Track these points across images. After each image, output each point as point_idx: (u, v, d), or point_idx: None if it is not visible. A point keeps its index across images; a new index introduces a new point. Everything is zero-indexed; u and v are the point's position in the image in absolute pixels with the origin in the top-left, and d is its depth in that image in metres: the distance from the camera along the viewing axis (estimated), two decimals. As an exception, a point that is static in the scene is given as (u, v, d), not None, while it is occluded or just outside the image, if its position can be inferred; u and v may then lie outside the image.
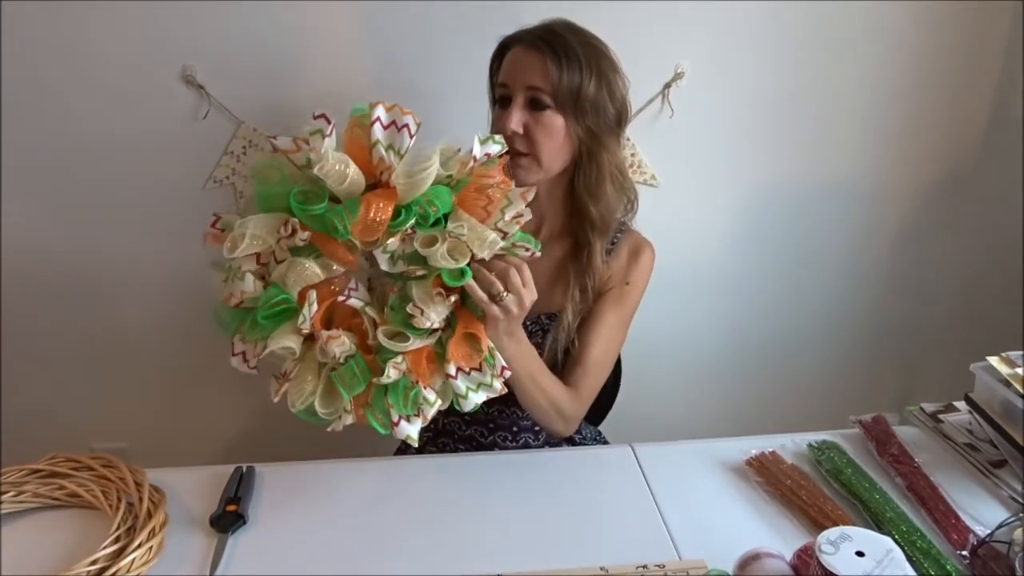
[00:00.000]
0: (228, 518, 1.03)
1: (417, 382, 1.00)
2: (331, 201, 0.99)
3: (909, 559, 0.91)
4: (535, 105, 1.20)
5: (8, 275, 1.73)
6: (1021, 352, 1.20)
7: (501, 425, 1.36)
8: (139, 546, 0.94)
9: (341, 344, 0.99)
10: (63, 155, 1.64)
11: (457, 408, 1.04)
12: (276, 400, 1.03)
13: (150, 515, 0.99)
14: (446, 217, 1.01)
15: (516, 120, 1.19)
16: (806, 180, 1.88)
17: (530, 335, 1.28)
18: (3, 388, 1.83)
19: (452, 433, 1.39)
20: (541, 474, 1.17)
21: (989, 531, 1.01)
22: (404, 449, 1.48)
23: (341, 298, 1.02)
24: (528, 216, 1.05)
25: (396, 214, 0.97)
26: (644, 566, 0.96)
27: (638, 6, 1.63)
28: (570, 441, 1.39)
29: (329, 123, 0.96)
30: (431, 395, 1.01)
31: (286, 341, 0.99)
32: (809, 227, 1.92)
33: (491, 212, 1.02)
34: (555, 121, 1.20)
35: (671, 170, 1.79)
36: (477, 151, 1.01)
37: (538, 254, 1.08)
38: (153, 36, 1.56)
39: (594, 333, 1.29)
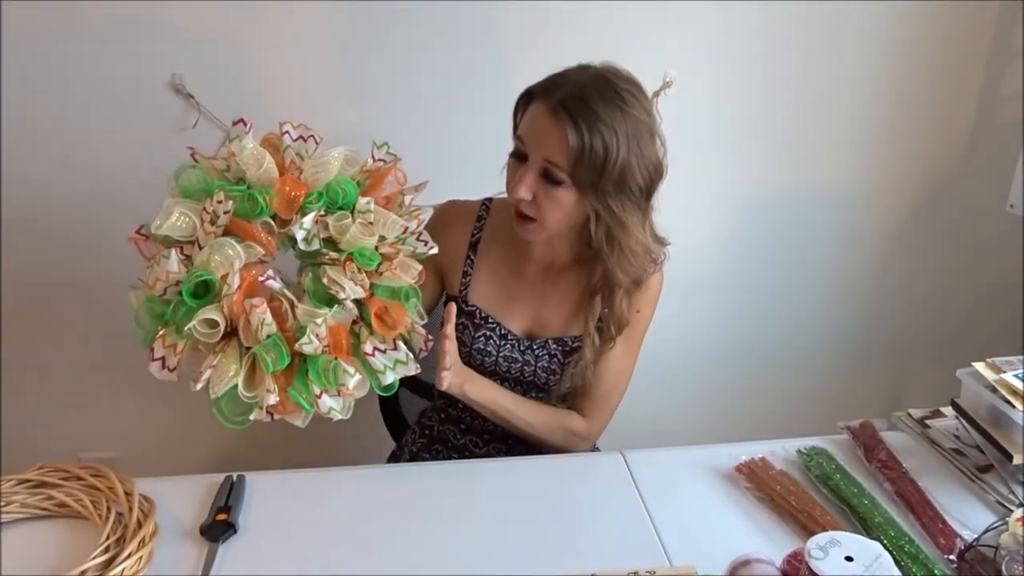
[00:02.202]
0: (218, 527, 1.03)
1: (336, 358, 1.05)
2: None
3: (897, 564, 0.92)
4: (548, 178, 1.11)
5: (-4, 285, 1.73)
6: (1007, 358, 1.21)
7: (496, 436, 1.35)
8: (129, 556, 0.94)
9: (264, 311, 1.02)
10: (54, 164, 1.63)
11: (376, 387, 1.08)
12: (198, 387, 1.02)
13: (140, 525, 0.99)
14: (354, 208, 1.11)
15: (525, 189, 1.12)
16: (794, 187, 1.89)
17: (538, 358, 1.29)
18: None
19: (447, 441, 1.38)
20: (532, 480, 1.17)
21: (976, 535, 1.02)
22: (397, 456, 1.47)
23: (261, 279, 1.05)
24: (424, 215, 1.15)
25: (309, 196, 1.08)
26: (635, 572, 0.96)
27: (626, 14, 1.64)
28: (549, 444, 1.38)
29: (247, 126, 1.08)
30: (351, 368, 1.05)
31: (211, 314, 1.01)
32: (797, 233, 1.93)
33: (390, 209, 1.13)
34: (567, 196, 1.12)
35: (660, 178, 1.79)
36: (374, 155, 1.14)
37: (435, 250, 1.15)
38: (142, 45, 1.56)
39: (603, 366, 1.28)
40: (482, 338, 1.28)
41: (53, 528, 1.04)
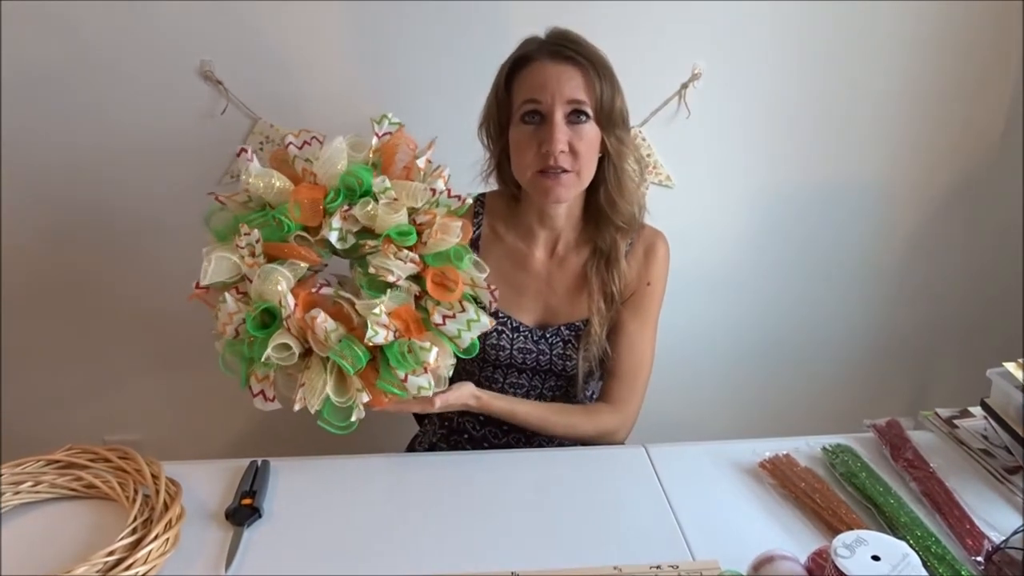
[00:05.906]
0: (243, 512, 1.04)
1: (408, 339, 1.06)
2: None
3: (924, 564, 0.91)
4: (575, 117, 1.18)
5: (22, 267, 1.75)
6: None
7: (515, 427, 1.35)
8: (156, 538, 0.94)
9: (324, 320, 1.03)
10: (80, 149, 1.65)
11: (456, 351, 1.10)
12: (298, 408, 1.05)
13: (166, 507, 1.00)
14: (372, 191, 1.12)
15: (563, 139, 1.17)
16: (821, 182, 1.87)
17: (552, 345, 1.30)
18: (15, 380, 1.84)
19: (465, 432, 1.39)
20: (555, 473, 1.17)
21: (1004, 537, 1.01)
22: (417, 442, 1.48)
23: (314, 290, 1.08)
24: (447, 170, 1.16)
25: (328, 196, 1.09)
26: (658, 566, 0.96)
27: (655, 6, 1.63)
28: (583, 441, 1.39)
29: (249, 154, 1.12)
30: (425, 343, 1.06)
31: (281, 339, 1.04)
32: (824, 229, 1.91)
33: (412, 178, 1.15)
34: (593, 133, 1.19)
35: (686, 171, 1.79)
36: (377, 132, 1.15)
37: (470, 201, 1.17)
38: (171, 32, 1.57)
39: (624, 343, 1.30)
40: (495, 334, 1.29)
41: (81, 508, 1.05)
